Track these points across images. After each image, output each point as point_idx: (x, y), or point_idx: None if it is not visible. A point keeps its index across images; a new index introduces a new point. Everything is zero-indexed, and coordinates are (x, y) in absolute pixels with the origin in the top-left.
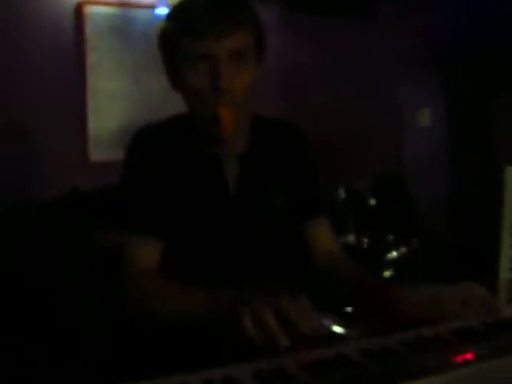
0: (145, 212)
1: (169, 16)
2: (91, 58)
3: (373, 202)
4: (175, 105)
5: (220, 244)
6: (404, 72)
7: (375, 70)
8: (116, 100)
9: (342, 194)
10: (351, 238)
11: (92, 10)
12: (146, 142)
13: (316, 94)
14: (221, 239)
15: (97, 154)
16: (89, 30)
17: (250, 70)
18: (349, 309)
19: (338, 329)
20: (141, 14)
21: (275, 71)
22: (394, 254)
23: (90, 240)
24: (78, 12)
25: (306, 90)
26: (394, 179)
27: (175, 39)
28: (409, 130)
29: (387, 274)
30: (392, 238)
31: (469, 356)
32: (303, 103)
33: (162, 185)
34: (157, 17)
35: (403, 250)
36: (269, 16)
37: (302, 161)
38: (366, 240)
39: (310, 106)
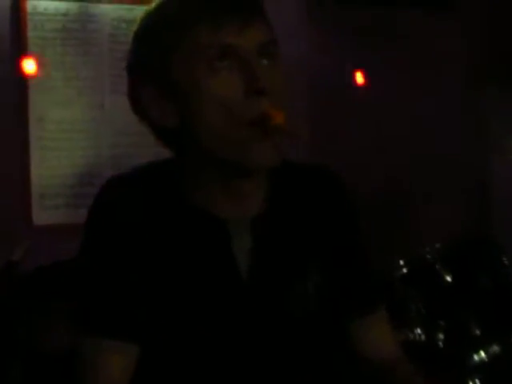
0: (118, 306)
1: (165, 4)
2: (35, 73)
3: (449, 278)
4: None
5: (223, 351)
6: (490, 84)
7: (446, 83)
8: (70, 134)
9: (401, 266)
10: (418, 333)
11: (36, 5)
12: (119, 200)
13: (358, 119)
14: (225, 344)
15: (43, 216)
16: (31, 33)
17: (281, 77)
18: None
19: None
20: (105, 11)
21: (299, 87)
22: (483, 355)
23: (32, 338)
24: (17, 8)
25: (344, 114)
26: (480, 242)
27: (182, 32)
28: (498, 167)
29: None
30: (479, 331)
31: None
32: (340, 134)
33: (142, 264)
34: None
35: (496, 349)
36: (288, 10)
37: (343, 225)
38: (439, 335)
39: (350, 139)
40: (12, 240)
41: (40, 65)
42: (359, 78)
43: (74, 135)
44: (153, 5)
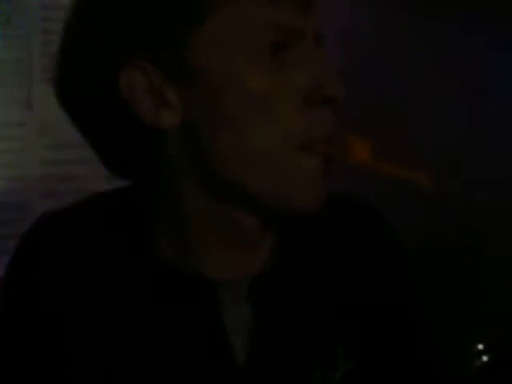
0: None
1: None
2: None
3: None
4: None
5: None
6: None
7: None
8: None
9: (480, 353)
10: None
11: None
12: (55, 251)
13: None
14: None
15: None
16: None
17: None
18: None
19: None
20: None
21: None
22: None
23: None
24: None
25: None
26: None
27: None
28: None
29: None
30: None
31: None
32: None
33: (88, 352)
34: None
35: None
36: None
37: (390, 289)
38: None
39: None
40: None
41: None
42: None
43: None
44: None
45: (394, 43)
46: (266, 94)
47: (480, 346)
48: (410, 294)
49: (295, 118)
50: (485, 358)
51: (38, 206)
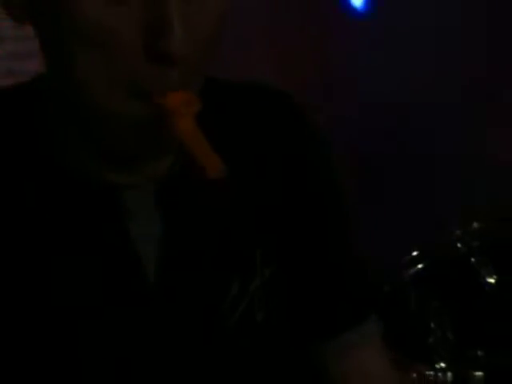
0: None
1: None
2: None
3: (492, 279)
4: None
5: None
6: None
7: None
8: None
9: (415, 260)
10: (441, 368)
11: None
12: None
13: None
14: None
15: None
16: None
17: (215, 34)
18: None
19: None
20: None
21: None
22: None
23: None
24: None
25: None
26: None
27: None
28: None
29: None
30: None
31: None
32: None
33: None
34: None
35: None
36: None
37: (310, 186)
38: (476, 375)
39: None
40: None
41: None
42: None
43: None
44: None
45: None
46: (96, 26)
47: (414, 253)
48: (334, 193)
49: (135, 70)
50: (419, 267)
51: None
